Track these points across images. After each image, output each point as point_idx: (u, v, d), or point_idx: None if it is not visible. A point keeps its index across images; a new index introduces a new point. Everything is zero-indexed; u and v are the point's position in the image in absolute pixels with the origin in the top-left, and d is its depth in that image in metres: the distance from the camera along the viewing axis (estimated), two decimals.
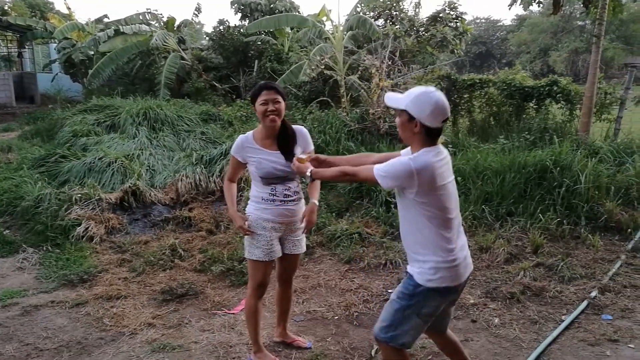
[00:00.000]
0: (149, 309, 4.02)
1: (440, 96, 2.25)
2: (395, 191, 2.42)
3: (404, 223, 2.43)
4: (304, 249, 3.25)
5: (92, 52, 14.62)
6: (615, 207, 5.39)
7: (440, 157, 2.31)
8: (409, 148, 2.45)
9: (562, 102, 9.04)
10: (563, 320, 3.56)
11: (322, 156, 2.88)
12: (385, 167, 2.30)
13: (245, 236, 3.03)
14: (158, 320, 3.84)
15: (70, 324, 3.81)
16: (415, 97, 2.24)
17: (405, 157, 2.29)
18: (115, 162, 6.94)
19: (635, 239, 4.98)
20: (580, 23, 40.58)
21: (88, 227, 5.42)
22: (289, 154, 2.92)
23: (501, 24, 50.69)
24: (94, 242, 5.31)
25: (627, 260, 4.58)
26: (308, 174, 2.70)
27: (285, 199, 2.98)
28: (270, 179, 2.93)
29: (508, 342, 3.37)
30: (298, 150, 2.97)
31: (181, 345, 3.45)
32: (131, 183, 6.32)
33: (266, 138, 2.95)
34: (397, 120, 2.35)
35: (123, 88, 13.33)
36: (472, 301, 3.97)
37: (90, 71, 13.48)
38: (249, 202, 3.08)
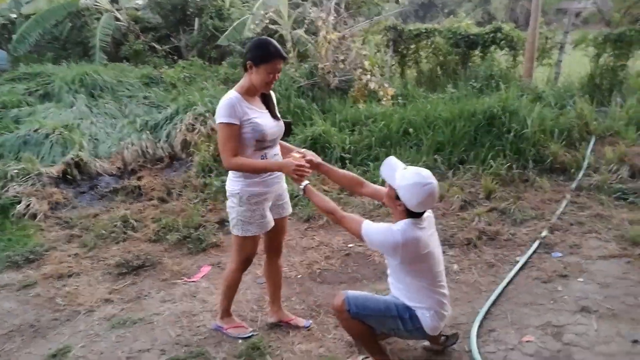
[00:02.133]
0: (104, 284, 3.86)
1: (433, 190, 2.32)
2: None
3: (392, 275, 2.54)
4: (291, 209, 3.09)
5: (15, 16, 13.48)
6: (559, 149, 5.59)
7: (425, 225, 2.41)
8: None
9: (506, 48, 9.18)
10: (517, 262, 3.69)
11: (316, 159, 2.75)
12: (374, 233, 2.39)
13: (236, 212, 2.75)
14: (115, 295, 3.70)
15: (19, 307, 3.61)
16: (410, 185, 2.30)
17: (395, 228, 2.34)
18: (54, 133, 6.54)
19: (578, 179, 5.20)
20: None
21: (29, 204, 5.11)
22: (274, 113, 2.77)
23: None
24: (37, 219, 5.02)
25: (571, 199, 4.78)
26: (302, 186, 2.61)
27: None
28: (264, 143, 2.67)
29: (468, 286, 3.47)
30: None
31: (142, 318, 3.34)
32: (73, 154, 5.99)
33: (253, 97, 2.69)
34: (387, 189, 2.44)
35: (54, 53, 12.44)
36: None
37: (14, 36, 12.46)
38: (230, 178, 2.76)
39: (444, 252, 3.94)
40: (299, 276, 3.80)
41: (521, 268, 3.60)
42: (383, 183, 2.56)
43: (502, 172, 5.30)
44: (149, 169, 6.12)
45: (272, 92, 2.83)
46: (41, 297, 3.71)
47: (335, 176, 2.82)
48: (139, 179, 5.85)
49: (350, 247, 4.19)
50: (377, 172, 5.44)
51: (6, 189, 5.24)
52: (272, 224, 2.86)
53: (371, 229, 2.40)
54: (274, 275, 3.14)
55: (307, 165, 2.60)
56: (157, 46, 12.70)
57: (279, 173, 2.78)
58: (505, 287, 3.37)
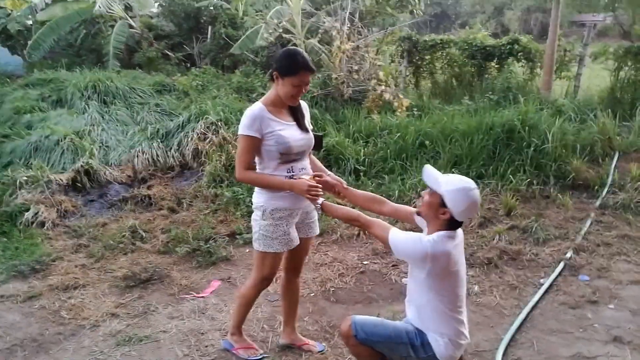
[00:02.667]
0: (111, 297, 3.74)
1: (478, 196, 2.24)
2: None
3: (414, 290, 2.35)
4: (318, 230, 2.95)
5: (30, 22, 13.56)
6: (582, 164, 5.41)
7: (457, 242, 2.27)
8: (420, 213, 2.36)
9: (523, 60, 9.02)
10: (542, 284, 3.52)
11: (332, 180, 2.64)
12: (402, 241, 2.24)
13: (258, 226, 2.63)
14: (122, 309, 3.57)
15: (23, 319, 3.50)
16: (457, 190, 2.18)
17: (425, 239, 2.20)
18: (64, 140, 6.45)
19: (602, 196, 5.01)
20: None
21: (38, 212, 5.02)
22: (302, 126, 2.64)
23: None
24: (45, 227, 4.93)
25: (596, 218, 4.61)
26: (318, 204, 2.50)
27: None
28: (289, 156, 2.56)
29: (489, 309, 3.31)
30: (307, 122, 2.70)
31: (148, 335, 3.21)
32: (83, 162, 5.90)
33: (281, 108, 2.59)
34: (426, 197, 2.28)
35: (68, 60, 12.43)
36: None
37: (29, 42, 12.51)
38: (256, 190, 2.67)
39: None
40: (311, 294, 3.66)
41: (546, 291, 3.43)
42: (407, 201, 2.41)
43: (522, 187, 5.14)
44: (159, 177, 6.02)
45: (304, 104, 2.72)
46: (46, 310, 3.60)
47: (354, 198, 2.69)
48: (149, 187, 5.74)
49: (365, 264, 4.03)
50: (392, 185, 5.31)
51: (15, 196, 5.16)
52: (297, 242, 2.72)
53: (399, 236, 2.25)
54: (291, 294, 2.99)
55: (320, 186, 2.51)
56: (170, 54, 12.67)
57: None
58: (530, 311, 3.20)
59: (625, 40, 9.71)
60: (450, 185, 2.19)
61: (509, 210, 4.78)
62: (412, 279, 2.34)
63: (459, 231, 2.29)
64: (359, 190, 2.75)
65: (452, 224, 2.22)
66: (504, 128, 5.84)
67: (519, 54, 8.86)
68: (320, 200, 2.50)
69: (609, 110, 6.66)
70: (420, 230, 2.40)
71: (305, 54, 2.52)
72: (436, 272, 2.19)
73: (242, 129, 2.51)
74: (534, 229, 4.35)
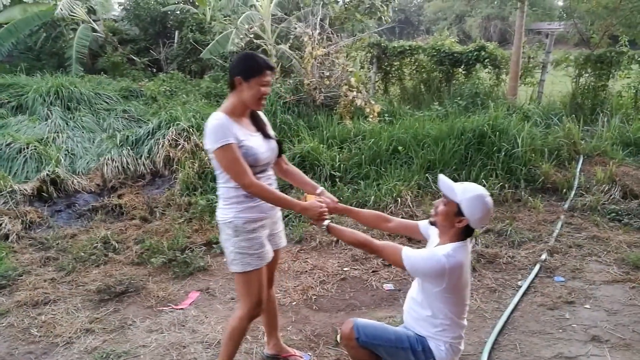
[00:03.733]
0: (84, 312, 3.59)
1: (492, 203, 2.24)
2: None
3: (421, 301, 2.33)
4: (286, 240, 2.86)
5: None
6: (550, 168, 5.57)
7: (469, 251, 2.29)
8: (425, 222, 2.47)
9: (489, 67, 9.25)
10: (520, 286, 3.60)
11: (332, 201, 2.60)
12: (417, 261, 2.20)
13: (232, 244, 2.44)
14: (97, 324, 3.44)
15: None
16: (473, 198, 2.18)
17: (440, 253, 2.17)
18: (27, 148, 6.21)
19: (571, 199, 5.17)
20: None
21: (1, 224, 4.80)
22: (267, 134, 2.54)
23: None
24: (9, 240, 4.71)
25: (566, 220, 4.74)
26: (324, 226, 2.43)
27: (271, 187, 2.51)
28: (256, 168, 2.41)
29: (471, 313, 3.34)
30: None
31: (127, 351, 3.10)
32: (49, 170, 5.68)
33: (242, 117, 2.44)
34: (441, 207, 2.25)
35: (27, 64, 12.01)
36: None
37: None
38: (221, 207, 2.47)
39: None
40: (293, 303, 3.61)
41: (524, 293, 3.50)
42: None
43: (494, 192, 5.24)
44: (129, 186, 5.85)
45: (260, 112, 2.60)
46: (14, 328, 3.43)
47: (357, 216, 2.69)
48: (120, 196, 5.57)
49: (346, 270, 4.02)
50: (368, 190, 5.33)
51: None
52: (272, 254, 2.60)
53: (414, 256, 2.22)
54: (269, 306, 2.86)
55: (326, 208, 2.46)
56: (136, 59, 12.43)
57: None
58: (511, 314, 3.26)
59: (584, 48, 10.08)
60: (466, 193, 2.19)
61: None
62: (420, 291, 2.32)
63: (469, 241, 2.31)
64: (363, 210, 2.74)
65: (467, 233, 2.24)
66: (474, 133, 5.97)
67: (486, 60, 9.07)
68: (327, 222, 2.44)
69: (573, 115, 6.90)
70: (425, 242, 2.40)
71: (262, 55, 2.47)
72: (452, 285, 2.19)
73: (220, 139, 2.29)
74: (508, 232, 4.45)
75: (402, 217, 4.87)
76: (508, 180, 5.42)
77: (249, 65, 2.37)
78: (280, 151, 2.66)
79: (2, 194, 5.16)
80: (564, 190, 5.36)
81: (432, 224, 2.35)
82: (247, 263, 2.45)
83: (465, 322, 2.35)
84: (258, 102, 2.41)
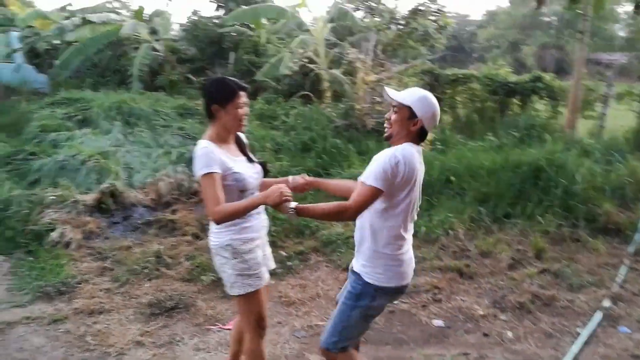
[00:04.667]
0: (136, 324, 3.69)
1: (437, 103, 2.33)
2: None
3: (360, 217, 2.35)
4: (274, 264, 2.81)
5: (58, 42, 13.87)
6: (612, 208, 5.33)
7: (420, 154, 2.32)
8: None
9: (545, 98, 9.02)
10: (579, 334, 3.43)
11: (303, 179, 2.65)
12: (376, 172, 2.18)
13: (230, 268, 2.46)
14: (147, 337, 3.52)
15: (48, 343, 3.46)
16: (422, 98, 2.27)
17: (389, 152, 2.23)
18: (90, 160, 6.50)
19: (637, 242, 4.91)
20: (546, 19, 41.42)
21: (63, 232, 5.01)
22: (249, 157, 2.59)
23: (470, 18, 51.26)
24: (70, 248, 4.90)
25: (631, 265, 4.50)
26: (292, 208, 2.21)
27: (259, 209, 2.52)
28: (246, 192, 2.45)
29: (526, 358, 3.21)
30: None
31: None
32: (109, 183, 5.91)
33: (228, 143, 2.50)
34: (394, 116, 2.29)
35: (93, 80, 12.68)
36: (481, 312, 3.80)
37: (56, 62, 12.78)
38: (214, 231, 2.48)
39: (495, 317, 3.76)
40: None
41: (585, 342, 3.32)
42: None
43: (551, 229, 5.05)
44: (183, 202, 6.00)
45: (242, 134, 2.64)
46: (71, 335, 3.56)
47: (331, 188, 2.69)
48: (173, 212, 5.72)
49: (395, 303, 3.95)
50: (418, 221, 5.23)
51: (42, 215, 5.16)
52: (268, 275, 2.63)
53: (369, 172, 2.21)
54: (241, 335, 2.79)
55: (288, 190, 2.26)
56: (192, 77, 12.86)
57: (263, 217, 2.62)
58: None
59: None
60: (414, 95, 2.27)
61: (539, 252, 4.70)
62: (368, 215, 2.30)
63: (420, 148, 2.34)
64: (333, 180, 2.70)
65: (420, 137, 2.31)
66: (530, 167, 5.80)
67: (542, 91, 8.86)
68: (293, 204, 2.23)
69: (637, 152, 6.59)
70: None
71: (231, 77, 2.54)
72: (402, 179, 2.18)
73: (204, 167, 2.32)
74: (567, 274, 4.26)
75: (454, 251, 4.78)
76: (566, 219, 5.22)
77: (222, 92, 2.44)
78: (265, 173, 2.69)
79: (65, 204, 5.40)
80: (628, 232, 5.10)
81: (387, 138, 2.34)
82: (247, 284, 2.48)
83: (407, 248, 2.37)
84: (239, 124, 2.48)
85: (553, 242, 4.92)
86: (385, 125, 2.35)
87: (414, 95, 2.27)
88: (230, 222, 2.39)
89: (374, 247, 2.30)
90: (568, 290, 4.09)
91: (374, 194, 2.19)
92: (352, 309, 2.35)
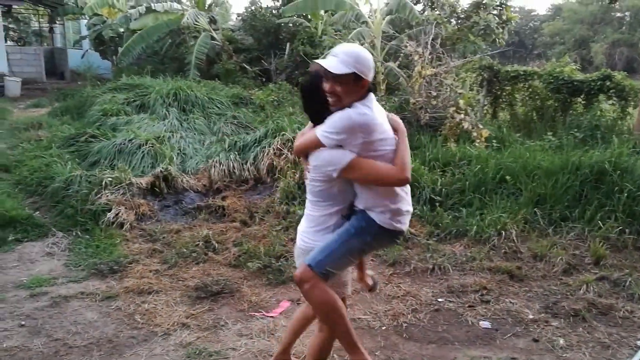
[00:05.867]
0: (182, 306, 3.78)
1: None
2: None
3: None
4: None
5: (123, 30, 14.43)
6: None
7: (375, 109, 2.32)
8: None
9: (614, 98, 8.50)
10: (639, 347, 3.21)
11: None
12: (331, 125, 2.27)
13: None
14: (192, 320, 3.60)
15: (100, 318, 3.61)
16: (359, 58, 2.24)
17: (338, 114, 2.26)
18: (146, 145, 6.72)
19: None
20: (619, 14, 39.11)
21: (118, 213, 5.22)
22: None
23: (535, 13, 49.24)
24: (124, 229, 5.11)
25: None
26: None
27: None
28: None
29: None
30: None
31: (218, 351, 3.21)
32: (163, 167, 6.09)
33: None
34: (338, 88, 2.24)
35: (152, 67, 13.11)
36: (531, 316, 3.64)
37: (120, 49, 13.30)
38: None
39: (546, 322, 3.58)
40: (383, 328, 3.52)
41: None
42: None
43: (612, 235, 4.76)
44: (233, 189, 6.10)
45: None
46: (121, 312, 3.70)
47: None
48: (223, 198, 5.83)
49: (440, 302, 3.85)
50: (470, 219, 5.09)
51: (99, 195, 5.39)
52: None
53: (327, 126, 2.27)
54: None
55: None
56: (247, 67, 13.03)
57: None
58: None
59: None
60: (350, 57, 2.21)
61: (598, 259, 4.44)
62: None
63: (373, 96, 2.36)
64: None
65: (369, 90, 2.32)
66: (592, 169, 5.47)
67: (611, 90, 8.35)
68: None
69: None
70: None
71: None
72: (367, 142, 2.24)
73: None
74: (627, 283, 4.01)
75: (505, 252, 4.61)
76: (630, 225, 4.89)
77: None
78: None
79: (122, 186, 5.60)
80: None
81: (338, 110, 2.28)
82: None
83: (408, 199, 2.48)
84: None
85: (614, 249, 4.63)
86: (330, 99, 2.30)
87: (352, 57, 2.22)
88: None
89: (379, 199, 2.42)
90: (628, 300, 3.84)
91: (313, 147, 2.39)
92: (352, 237, 2.37)
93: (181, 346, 3.27)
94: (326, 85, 2.26)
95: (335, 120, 2.25)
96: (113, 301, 3.83)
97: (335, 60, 2.22)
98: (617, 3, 31.70)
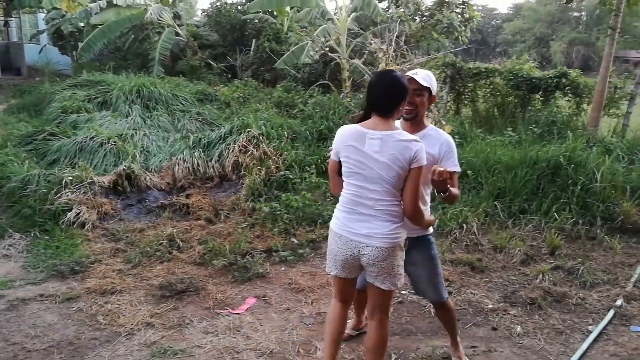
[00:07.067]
0: (146, 306, 3.74)
1: None
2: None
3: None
4: None
5: (83, 24, 14.02)
6: (631, 207, 5.20)
7: None
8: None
9: (569, 95, 8.81)
10: (590, 331, 3.37)
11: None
12: (455, 157, 2.77)
13: (400, 262, 2.58)
14: (157, 319, 3.56)
15: (61, 321, 3.53)
16: (433, 78, 2.66)
17: (446, 135, 2.76)
18: (108, 142, 6.58)
19: None
20: (576, 14, 40.46)
21: (79, 213, 5.10)
22: None
23: (497, 12, 50.33)
24: (85, 228, 5.01)
25: None
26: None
27: None
28: None
29: (534, 354, 3.17)
30: None
31: (183, 349, 3.19)
32: (125, 166, 5.98)
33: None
34: (419, 99, 2.62)
35: (115, 63, 12.80)
36: (490, 306, 3.76)
37: (80, 44, 12.93)
38: (394, 230, 2.48)
39: (505, 311, 3.72)
40: (348, 320, 3.56)
41: (595, 340, 3.26)
42: None
43: (567, 226, 4.96)
44: (198, 187, 6.05)
45: None
46: (83, 313, 3.63)
47: None
48: (188, 196, 5.78)
49: (404, 294, 3.94)
50: (433, 213, 5.17)
51: (59, 195, 5.25)
52: None
53: (456, 160, 2.79)
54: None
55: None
56: (213, 63, 12.90)
57: None
58: None
59: None
60: (425, 75, 2.61)
61: (553, 249, 4.62)
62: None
63: None
64: None
65: None
66: (549, 163, 5.68)
67: (566, 87, 8.65)
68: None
69: None
70: None
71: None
72: None
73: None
74: (580, 272, 4.18)
75: (466, 245, 4.74)
76: (583, 216, 5.11)
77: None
78: None
79: (83, 184, 5.48)
80: None
81: (411, 119, 2.67)
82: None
83: None
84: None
85: (568, 239, 4.83)
86: (406, 108, 2.58)
87: (426, 76, 2.61)
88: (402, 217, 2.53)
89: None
90: (581, 288, 4.01)
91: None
92: (437, 259, 2.86)
93: (145, 346, 3.24)
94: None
95: (453, 147, 2.75)
96: (74, 302, 3.75)
97: (418, 77, 2.57)
98: (573, 3, 32.72)
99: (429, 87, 2.60)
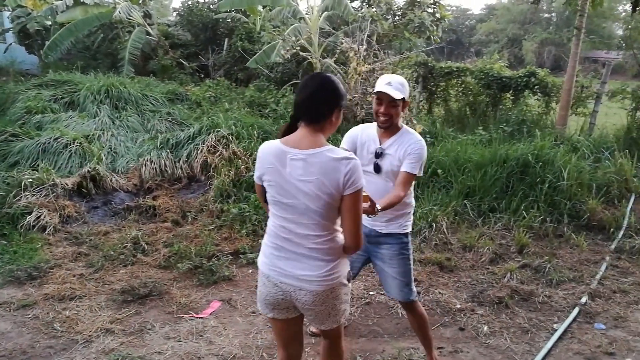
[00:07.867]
0: (107, 311, 3.62)
1: None
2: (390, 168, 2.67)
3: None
4: None
5: (49, 23, 13.64)
6: (597, 205, 5.28)
7: None
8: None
9: (539, 93, 8.93)
10: (555, 330, 3.38)
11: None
12: (419, 162, 2.64)
13: (347, 297, 2.19)
14: (117, 325, 3.45)
15: (15, 329, 3.39)
16: (406, 85, 2.64)
17: (416, 139, 2.66)
18: (73, 144, 6.38)
19: (619, 239, 4.87)
20: (547, 15, 41.26)
21: (40, 216, 4.92)
22: None
23: (471, 12, 51.00)
24: (46, 232, 4.83)
25: (612, 262, 4.46)
26: (378, 209, 2.36)
27: None
28: None
29: (500, 353, 3.16)
30: None
31: (143, 356, 3.09)
32: (90, 167, 5.81)
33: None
34: (393, 109, 2.60)
35: (83, 62, 12.47)
36: (458, 306, 3.75)
37: (47, 43, 12.57)
38: (341, 263, 2.10)
39: (472, 311, 3.71)
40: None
41: (560, 338, 3.27)
42: None
43: (535, 224, 5.00)
44: (165, 188, 5.91)
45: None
46: (39, 320, 3.49)
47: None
48: (155, 198, 5.64)
49: (372, 295, 3.90)
50: None
51: (18, 197, 5.06)
52: None
53: (419, 165, 2.64)
54: None
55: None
56: (184, 63, 12.69)
57: None
58: (543, 359, 3.05)
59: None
60: (400, 86, 2.58)
61: (521, 247, 4.65)
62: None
63: None
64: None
65: None
66: (518, 162, 5.73)
67: (535, 87, 8.77)
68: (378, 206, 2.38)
69: (626, 150, 6.54)
70: None
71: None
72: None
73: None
74: (547, 270, 4.21)
75: (436, 244, 4.73)
76: (550, 214, 5.17)
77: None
78: None
79: (44, 187, 5.30)
80: (612, 229, 5.05)
81: (386, 128, 2.65)
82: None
83: None
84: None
85: (536, 237, 4.87)
86: (381, 118, 2.63)
87: (401, 86, 2.59)
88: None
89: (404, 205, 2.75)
90: (547, 285, 4.04)
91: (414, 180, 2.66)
92: (410, 260, 2.80)
93: (103, 353, 3.13)
94: (379, 107, 2.60)
95: (421, 151, 2.64)
96: (30, 309, 3.60)
97: (391, 87, 2.55)
98: (543, 3, 33.31)
99: (403, 97, 2.60)
